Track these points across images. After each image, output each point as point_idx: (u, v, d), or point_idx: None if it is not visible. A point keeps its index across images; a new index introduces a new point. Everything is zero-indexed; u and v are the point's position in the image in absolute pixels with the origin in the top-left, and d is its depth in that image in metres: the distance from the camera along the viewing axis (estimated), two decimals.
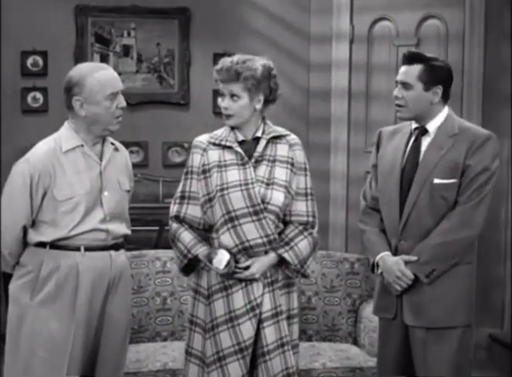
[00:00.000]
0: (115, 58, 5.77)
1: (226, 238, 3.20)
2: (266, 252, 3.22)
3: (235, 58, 3.27)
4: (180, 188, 3.33)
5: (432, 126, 3.36)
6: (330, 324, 4.36)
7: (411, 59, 3.33)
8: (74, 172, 3.18)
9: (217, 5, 5.81)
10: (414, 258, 3.28)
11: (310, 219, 3.31)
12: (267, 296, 3.22)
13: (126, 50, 5.79)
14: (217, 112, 5.74)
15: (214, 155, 3.28)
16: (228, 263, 3.15)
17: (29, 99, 5.66)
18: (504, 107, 5.32)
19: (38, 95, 5.67)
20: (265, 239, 3.20)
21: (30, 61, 5.66)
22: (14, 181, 3.19)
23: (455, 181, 3.27)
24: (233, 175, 3.23)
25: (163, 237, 4.87)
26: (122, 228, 3.29)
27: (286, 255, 3.23)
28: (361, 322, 4.29)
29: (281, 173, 3.26)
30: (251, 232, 3.19)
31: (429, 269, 3.26)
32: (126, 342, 3.36)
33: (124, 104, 3.23)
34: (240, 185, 3.21)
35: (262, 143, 3.29)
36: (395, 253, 3.35)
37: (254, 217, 3.19)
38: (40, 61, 5.67)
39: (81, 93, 3.16)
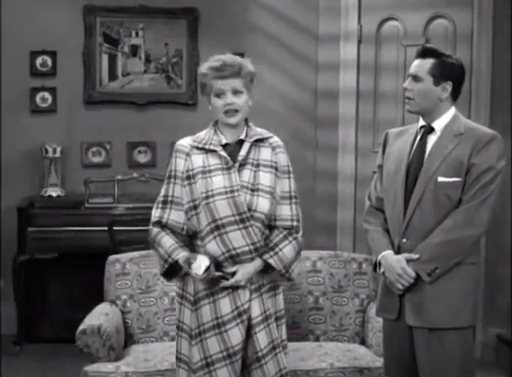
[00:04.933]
0: (124, 58, 5.79)
1: (213, 246, 3.17)
2: (252, 259, 3.19)
3: (228, 55, 3.23)
4: (162, 193, 3.27)
5: (438, 124, 3.35)
6: (337, 324, 4.36)
7: (424, 53, 3.33)
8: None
9: (225, 5, 5.82)
10: (415, 256, 3.27)
11: (295, 223, 3.28)
12: (255, 301, 3.20)
13: (134, 50, 5.80)
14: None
15: (198, 159, 3.22)
16: (208, 269, 3.10)
17: (38, 99, 5.68)
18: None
19: (47, 95, 5.68)
20: (251, 247, 3.17)
21: (39, 61, 5.68)
22: None
23: (459, 179, 3.26)
24: (218, 181, 3.17)
25: None
26: None
27: (271, 261, 3.20)
28: (369, 322, 4.29)
29: (265, 179, 3.21)
30: (238, 240, 3.15)
31: (431, 268, 3.24)
32: None
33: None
34: (226, 193, 3.15)
35: (246, 146, 3.24)
36: (397, 251, 3.34)
37: (241, 225, 3.15)
38: (49, 61, 5.69)
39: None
